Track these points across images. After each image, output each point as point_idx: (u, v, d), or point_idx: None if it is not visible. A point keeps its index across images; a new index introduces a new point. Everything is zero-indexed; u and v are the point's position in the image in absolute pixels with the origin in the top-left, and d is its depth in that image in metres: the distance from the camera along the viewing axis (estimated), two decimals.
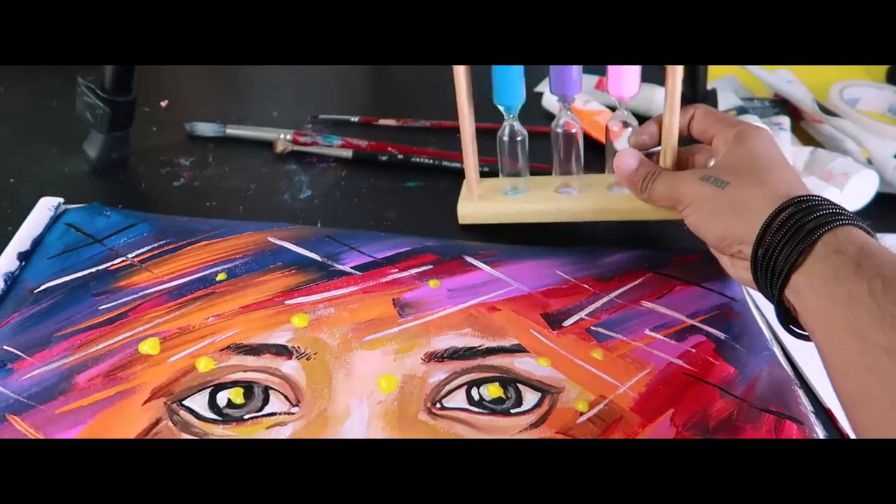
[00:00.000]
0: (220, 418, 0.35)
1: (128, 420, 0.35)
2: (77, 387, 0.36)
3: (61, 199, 0.48)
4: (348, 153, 0.59)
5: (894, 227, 0.58)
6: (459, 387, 0.39)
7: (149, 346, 0.38)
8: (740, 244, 0.41)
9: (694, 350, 0.43)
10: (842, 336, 0.34)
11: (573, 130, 0.50)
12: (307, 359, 0.39)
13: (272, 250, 0.46)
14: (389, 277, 0.45)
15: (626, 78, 0.47)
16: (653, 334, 0.43)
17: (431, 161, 0.59)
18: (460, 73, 0.45)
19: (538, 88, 0.71)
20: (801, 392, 0.41)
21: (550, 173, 0.52)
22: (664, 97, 0.47)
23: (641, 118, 0.50)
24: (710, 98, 0.63)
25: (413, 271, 0.46)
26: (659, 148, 0.49)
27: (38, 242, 0.44)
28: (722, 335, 0.44)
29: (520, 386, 0.39)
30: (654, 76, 0.55)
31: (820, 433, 0.39)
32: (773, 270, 0.38)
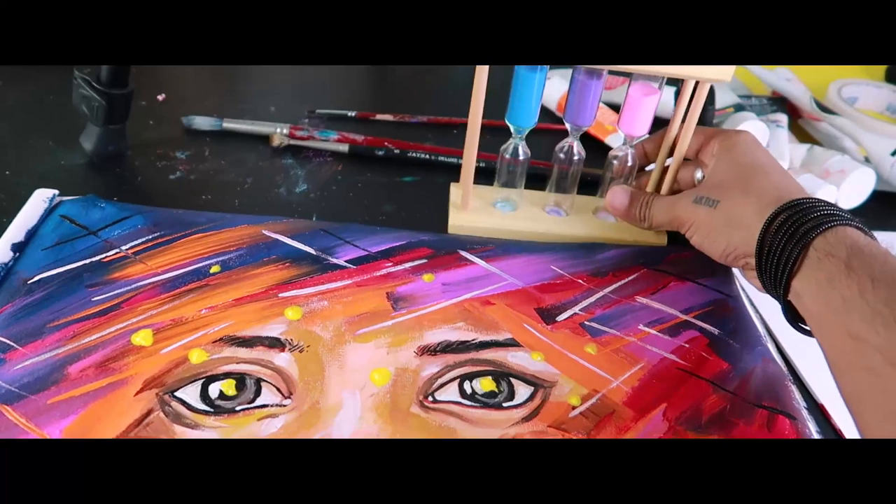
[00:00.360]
0: (211, 410, 0.35)
1: (119, 411, 0.35)
2: (69, 377, 0.36)
3: (56, 191, 0.47)
4: (345, 148, 0.59)
5: (891, 224, 0.59)
6: (452, 380, 0.39)
7: (141, 338, 0.38)
8: (745, 257, 0.42)
9: (687, 345, 0.43)
10: (839, 339, 0.35)
11: (576, 158, 0.50)
12: (300, 351, 0.39)
13: (266, 243, 0.46)
14: (384, 271, 0.45)
15: (640, 118, 0.48)
16: (647, 329, 0.43)
17: (428, 156, 0.59)
18: (480, 82, 0.44)
19: None
20: (794, 388, 0.41)
21: (545, 172, 0.52)
22: (676, 111, 0.47)
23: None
24: (708, 95, 0.63)
25: (407, 265, 0.46)
26: (653, 165, 0.51)
27: (32, 234, 0.44)
28: (716, 331, 0.44)
29: (512, 380, 0.39)
30: None
31: (812, 428, 0.39)
32: (775, 277, 0.39)
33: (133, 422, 0.34)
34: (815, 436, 0.38)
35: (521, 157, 0.50)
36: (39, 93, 0.62)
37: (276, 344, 0.39)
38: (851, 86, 0.74)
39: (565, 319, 0.44)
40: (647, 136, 0.50)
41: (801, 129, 0.69)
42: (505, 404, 0.38)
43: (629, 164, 0.50)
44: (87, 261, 0.43)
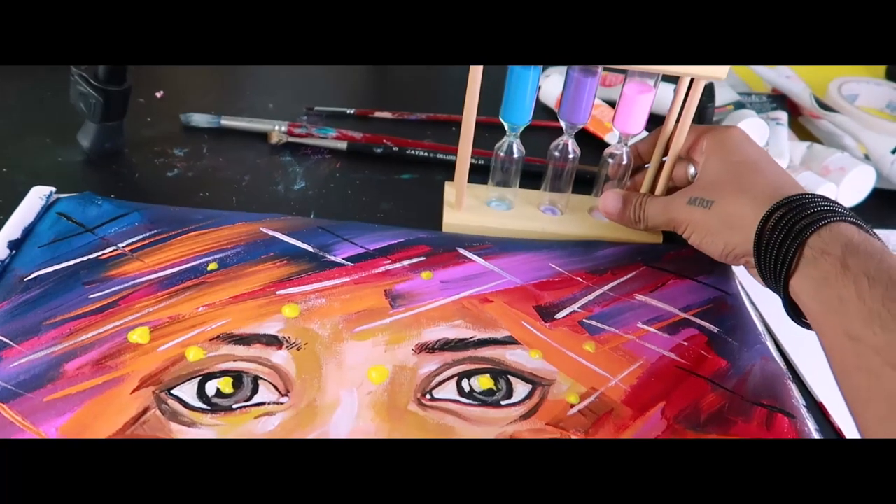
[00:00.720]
0: (208, 407, 0.35)
1: (116, 408, 0.35)
2: (65, 375, 0.36)
3: (53, 189, 0.47)
4: (343, 145, 0.59)
5: (891, 222, 0.58)
6: (450, 378, 0.38)
7: (138, 335, 0.38)
8: (744, 255, 0.41)
9: (686, 343, 0.42)
10: (838, 339, 0.34)
11: (571, 156, 0.50)
12: (297, 349, 0.39)
13: (264, 241, 0.46)
14: (382, 269, 0.45)
15: (635, 116, 0.48)
16: (645, 327, 0.43)
17: (426, 153, 0.59)
18: (474, 81, 0.44)
19: None
20: (793, 386, 0.41)
21: (541, 169, 0.52)
22: (671, 110, 0.47)
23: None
24: (707, 92, 0.63)
25: (406, 263, 0.46)
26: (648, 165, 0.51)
27: (29, 231, 0.44)
28: (714, 329, 0.44)
29: (511, 378, 0.39)
30: None
31: (811, 427, 0.38)
32: (774, 275, 0.38)
33: (129, 420, 0.34)
34: (815, 434, 0.38)
35: (515, 155, 0.49)
36: (36, 90, 0.61)
37: (273, 342, 0.39)
38: (852, 83, 0.74)
39: (564, 317, 0.43)
40: (644, 133, 0.50)
41: (801, 127, 0.69)
42: (503, 402, 0.38)
43: (624, 162, 0.50)
44: (84, 258, 0.43)
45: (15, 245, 0.43)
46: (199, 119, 0.60)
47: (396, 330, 0.41)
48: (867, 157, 0.62)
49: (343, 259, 0.45)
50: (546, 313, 0.43)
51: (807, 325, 0.38)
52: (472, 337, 0.41)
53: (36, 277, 0.41)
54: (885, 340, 0.32)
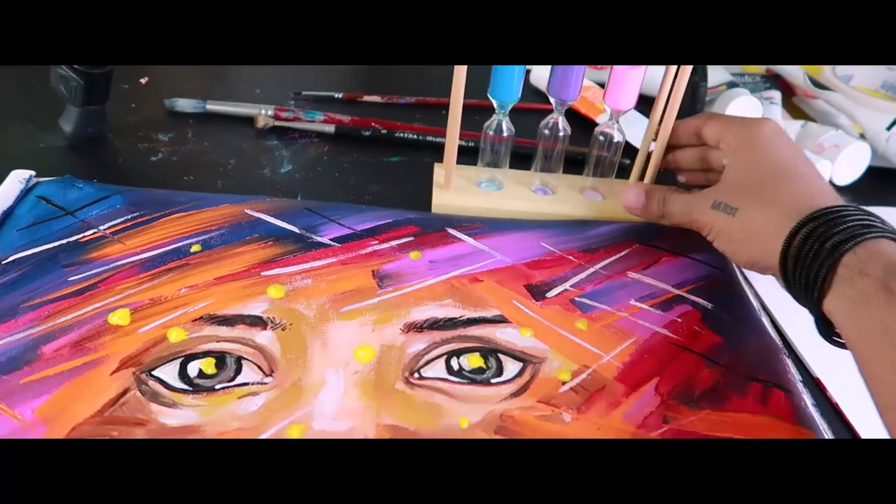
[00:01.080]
0: (190, 388, 0.34)
1: (95, 390, 0.34)
2: (43, 357, 0.35)
3: (33, 172, 0.46)
4: (331, 128, 0.58)
5: (887, 200, 0.58)
6: (439, 357, 0.38)
7: (119, 317, 0.37)
8: (771, 269, 0.38)
9: (680, 319, 0.42)
10: (883, 370, 0.32)
11: (561, 134, 0.49)
12: (282, 329, 0.38)
13: (249, 222, 0.45)
14: (369, 249, 0.44)
15: (626, 91, 0.47)
16: (638, 304, 0.43)
17: (415, 136, 0.58)
18: (459, 78, 0.44)
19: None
20: (789, 361, 0.40)
21: (531, 151, 0.51)
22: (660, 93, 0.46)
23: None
24: (700, 72, 0.62)
25: (394, 243, 0.45)
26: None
27: (7, 214, 0.43)
28: (709, 305, 0.43)
29: (501, 356, 0.38)
30: None
31: (808, 402, 0.38)
32: (804, 295, 0.36)
33: (108, 401, 0.33)
34: (812, 410, 0.37)
35: (504, 134, 0.49)
36: (18, 76, 0.60)
37: (257, 322, 0.38)
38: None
39: (555, 296, 0.43)
40: (643, 119, 0.49)
41: (794, 107, 0.68)
42: (493, 380, 0.37)
43: (616, 140, 0.49)
44: (64, 241, 0.42)
45: None
46: (184, 104, 0.59)
47: (384, 309, 0.40)
48: (862, 136, 0.61)
49: (330, 240, 0.44)
50: (537, 292, 0.43)
51: (840, 345, 0.36)
52: (461, 316, 0.40)
53: (14, 260, 0.40)
54: None
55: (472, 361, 0.38)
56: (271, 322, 0.38)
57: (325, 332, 0.38)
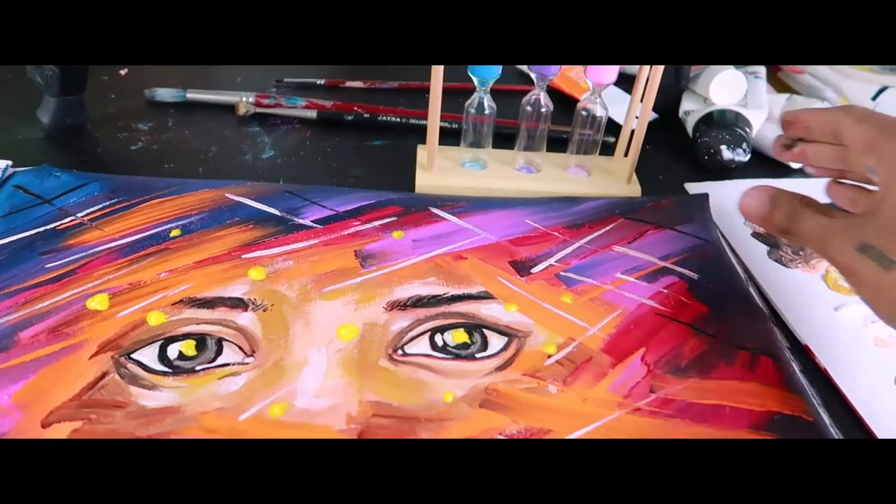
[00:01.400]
0: (170, 370, 0.34)
1: (73, 375, 0.33)
2: (20, 343, 0.34)
3: (9, 162, 0.46)
4: (313, 114, 0.57)
5: None
6: (422, 333, 0.37)
7: (97, 302, 0.37)
8: None
9: (666, 291, 0.41)
10: None
11: (543, 110, 0.48)
12: (264, 310, 0.37)
13: (229, 206, 0.44)
14: (352, 230, 0.44)
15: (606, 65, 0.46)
16: (624, 277, 0.42)
17: (398, 119, 0.57)
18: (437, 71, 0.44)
19: None
20: (776, 330, 0.40)
21: (515, 131, 0.51)
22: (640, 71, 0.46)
23: None
24: None
25: (376, 223, 0.44)
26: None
27: None
28: (695, 275, 0.43)
29: (485, 331, 0.38)
30: None
31: (796, 368, 0.37)
32: None
33: (86, 385, 0.33)
34: (799, 375, 0.37)
35: (486, 112, 0.48)
36: None
37: (238, 304, 0.38)
38: None
39: (540, 271, 0.42)
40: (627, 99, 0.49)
41: (780, 82, 0.68)
42: (478, 355, 0.36)
43: (598, 115, 0.49)
44: (41, 229, 0.41)
45: None
46: (164, 93, 0.58)
47: (367, 289, 0.40)
48: None
49: (311, 222, 0.44)
50: (522, 268, 0.42)
51: None
52: (445, 293, 0.40)
53: None
54: None
55: (457, 337, 0.37)
56: (252, 303, 0.38)
57: (308, 312, 0.38)
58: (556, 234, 0.45)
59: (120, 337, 0.35)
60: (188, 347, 0.35)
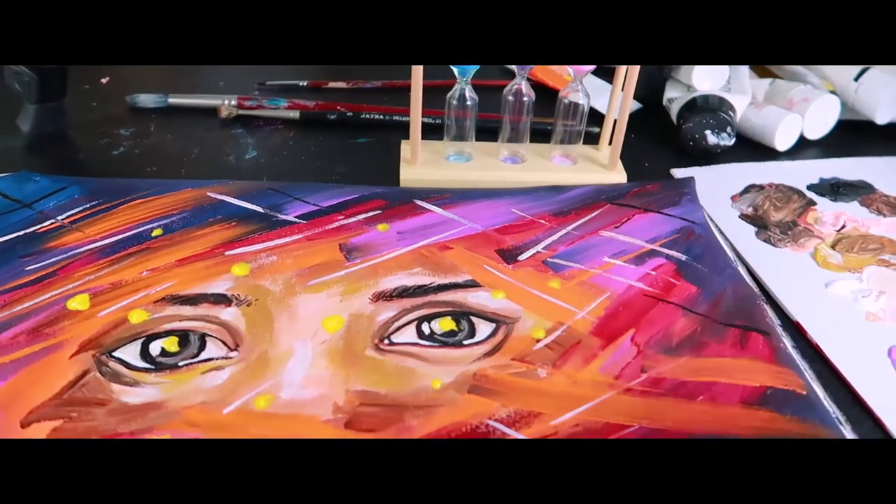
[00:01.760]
0: (152, 367, 0.33)
1: (54, 374, 0.33)
2: None
3: None
4: (296, 114, 0.57)
5: (858, 152, 0.57)
6: (409, 322, 0.37)
7: (78, 302, 0.36)
8: None
9: (654, 272, 0.41)
10: None
11: (525, 99, 0.48)
12: (247, 305, 0.37)
13: (212, 205, 0.44)
14: (336, 224, 0.43)
15: None
16: (612, 261, 0.42)
17: (382, 116, 0.57)
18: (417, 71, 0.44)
19: None
20: (766, 307, 0.39)
21: (498, 125, 0.50)
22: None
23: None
24: None
25: (360, 217, 0.44)
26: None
27: None
28: (683, 256, 0.42)
29: (473, 318, 0.37)
30: None
31: (788, 343, 0.37)
32: None
33: (67, 384, 0.32)
34: (791, 350, 0.37)
35: (468, 103, 0.48)
36: None
37: (221, 300, 0.37)
38: None
39: (527, 258, 0.42)
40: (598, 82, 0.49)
41: (763, 67, 0.68)
42: (465, 342, 0.36)
43: (580, 102, 0.49)
44: (21, 232, 0.41)
45: None
46: (146, 99, 0.58)
47: (352, 281, 0.39)
48: (833, 94, 0.61)
49: (295, 217, 0.43)
50: (508, 256, 0.42)
51: None
52: (431, 283, 0.39)
53: None
54: None
55: (444, 325, 0.37)
56: (236, 299, 0.37)
57: (292, 305, 0.37)
58: (542, 221, 0.45)
59: (101, 336, 0.35)
60: (171, 344, 0.35)
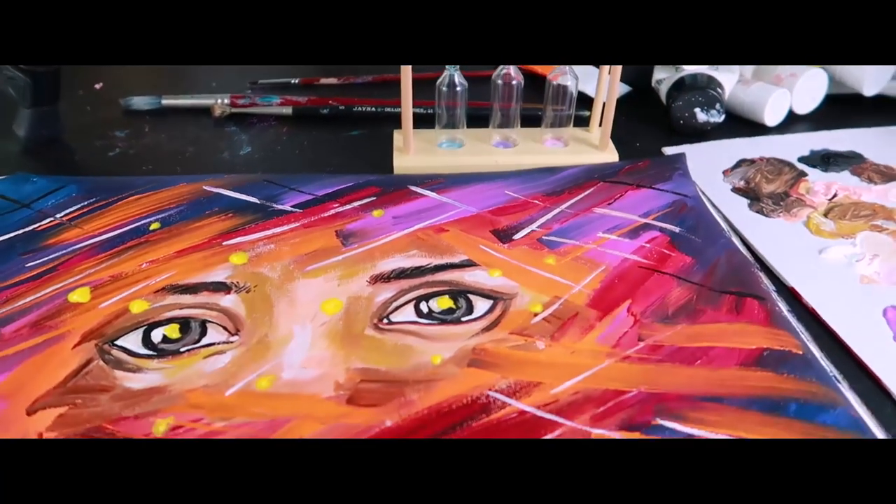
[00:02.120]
0: (154, 353, 0.34)
1: (57, 364, 0.33)
2: (2, 338, 0.34)
3: None
4: (289, 110, 0.58)
5: (847, 124, 0.58)
6: (407, 302, 0.37)
7: (79, 295, 0.37)
8: None
9: (648, 245, 0.41)
10: None
11: (514, 83, 0.49)
12: (247, 292, 0.37)
13: (208, 198, 0.44)
14: (331, 212, 0.44)
15: None
16: (606, 235, 0.42)
17: (374, 109, 0.58)
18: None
19: None
20: (761, 274, 0.40)
21: (488, 112, 0.51)
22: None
23: None
24: None
25: (356, 204, 0.44)
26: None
27: None
28: (677, 229, 0.43)
29: (470, 296, 0.38)
30: None
31: (783, 307, 0.37)
32: None
33: (70, 372, 0.32)
34: (786, 314, 0.37)
35: (458, 89, 0.48)
36: None
37: (221, 288, 0.37)
38: None
39: (522, 237, 0.42)
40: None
41: None
42: (464, 318, 0.36)
43: (568, 84, 0.49)
44: (20, 231, 0.41)
45: None
46: (140, 101, 0.58)
47: (349, 265, 0.39)
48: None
49: (291, 207, 0.44)
50: (504, 235, 0.42)
51: None
52: (428, 264, 0.40)
53: None
54: None
55: (442, 303, 0.37)
56: (235, 286, 0.38)
57: (291, 290, 0.38)
58: (536, 202, 0.45)
59: (103, 326, 0.35)
60: (172, 331, 0.35)
